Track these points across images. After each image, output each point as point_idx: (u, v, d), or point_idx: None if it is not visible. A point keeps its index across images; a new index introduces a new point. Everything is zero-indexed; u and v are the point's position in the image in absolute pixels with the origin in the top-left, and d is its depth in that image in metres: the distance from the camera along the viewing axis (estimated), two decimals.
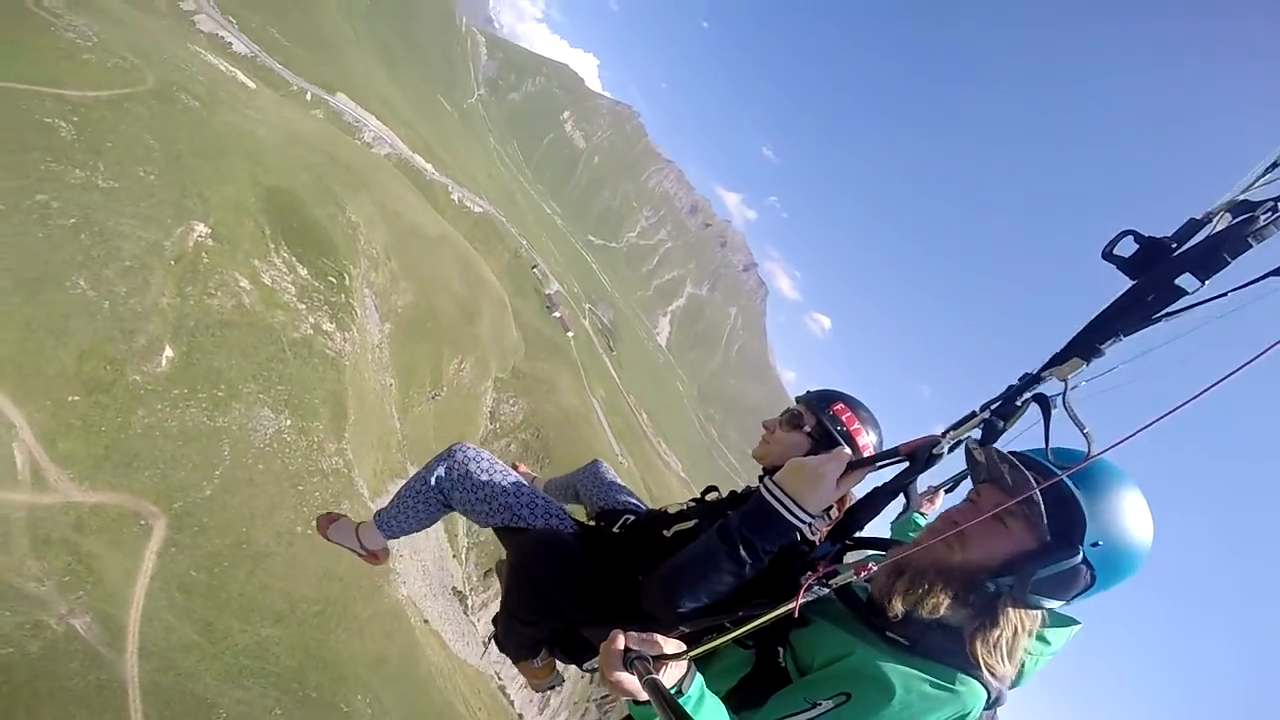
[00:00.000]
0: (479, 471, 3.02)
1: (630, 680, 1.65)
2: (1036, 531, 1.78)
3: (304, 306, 36.07)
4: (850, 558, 2.15)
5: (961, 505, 2.04)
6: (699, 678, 1.77)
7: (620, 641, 1.70)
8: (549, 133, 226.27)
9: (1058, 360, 1.82)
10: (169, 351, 28.45)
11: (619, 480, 3.62)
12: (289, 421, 31.52)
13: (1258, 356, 1.30)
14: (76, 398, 25.22)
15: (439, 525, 42.27)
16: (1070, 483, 1.74)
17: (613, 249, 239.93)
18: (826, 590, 1.91)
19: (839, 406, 2.66)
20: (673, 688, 1.67)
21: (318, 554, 29.16)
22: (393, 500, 3.29)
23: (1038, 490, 1.72)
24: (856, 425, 2.61)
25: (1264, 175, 1.64)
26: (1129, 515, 1.76)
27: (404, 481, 3.28)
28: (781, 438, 2.76)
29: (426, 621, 37.94)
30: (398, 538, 3.41)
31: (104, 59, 37.40)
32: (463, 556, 46.19)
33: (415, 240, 53.01)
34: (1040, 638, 1.97)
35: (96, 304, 26.84)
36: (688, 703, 1.71)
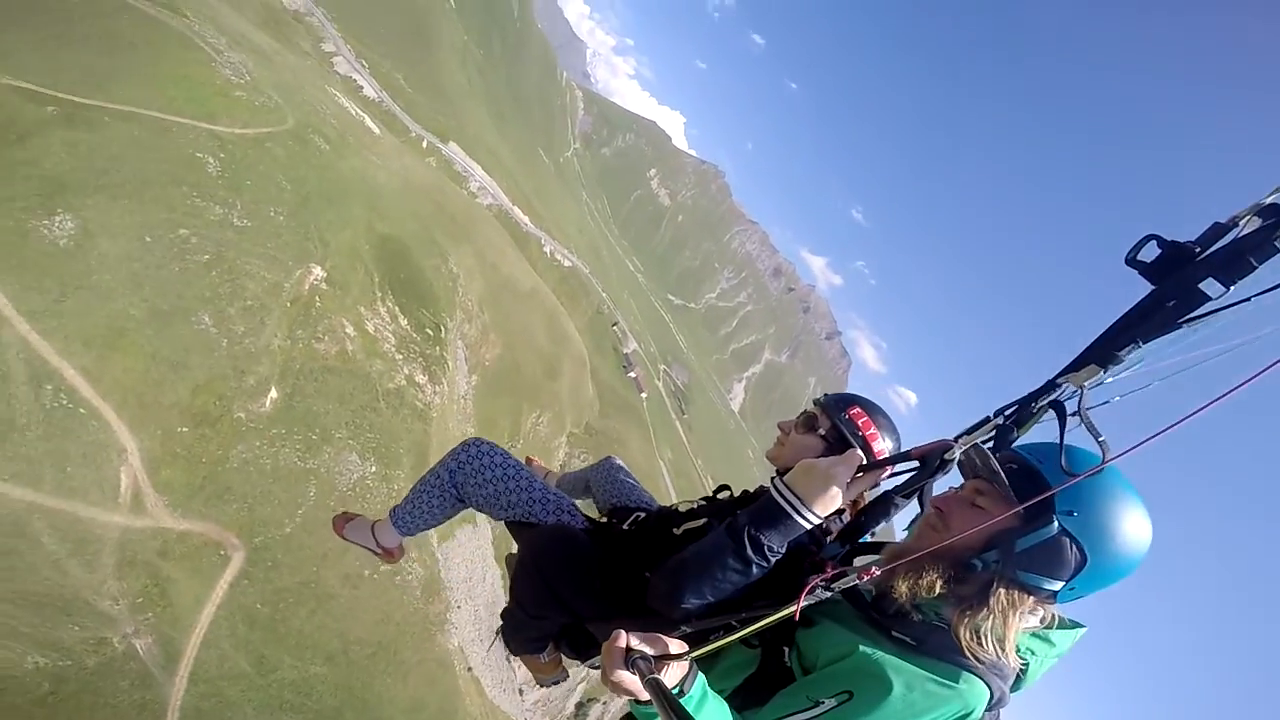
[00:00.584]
0: (493, 466, 3.10)
1: (632, 680, 1.70)
2: (1010, 505, 1.83)
3: (400, 357, 37.01)
4: (859, 561, 2.20)
5: (947, 492, 2.11)
6: (701, 678, 1.83)
7: (622, 641, 1.75)
8: (636, 189, 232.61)
9: (1074, 366, 1.89)
10: (274, 393, 29.62)
11: (633, 478, 3.66)
12: (374, 468, 32.17)
13: (1268, 368, 1.34)
14: (185, 429, 26.32)
15: (494, 568, 41.25)
16: (1031, 459, 1.86)
17: (691, 309, 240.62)
18: (830, 593, 1.94)
19: (855, 410, 2.67)
20: (674, 688, 1.73)
21: (379, 599, 30.09)
22: (408, 496, 3.36)
23: (994, 460, 1.89)
24: (872, 430, 2.61)
25: None
26: (1107, 491, 1.80)
27: (421, 478, 3.33)
28: (796, 440, 2.79)
29: (470, 669, 37.74)
30: (413, 534, 3.48)
31: (254, 96, 40.54)
32: None
33: (508, 294, 54.60)
34: (1044, 639, 2.00)
35: (216, 341, 28.14)
36: (689, 703, 1.76)
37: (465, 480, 3.15)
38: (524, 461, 3.60)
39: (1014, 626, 1.89)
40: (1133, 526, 1.83)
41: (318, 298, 33.62)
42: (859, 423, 2.66)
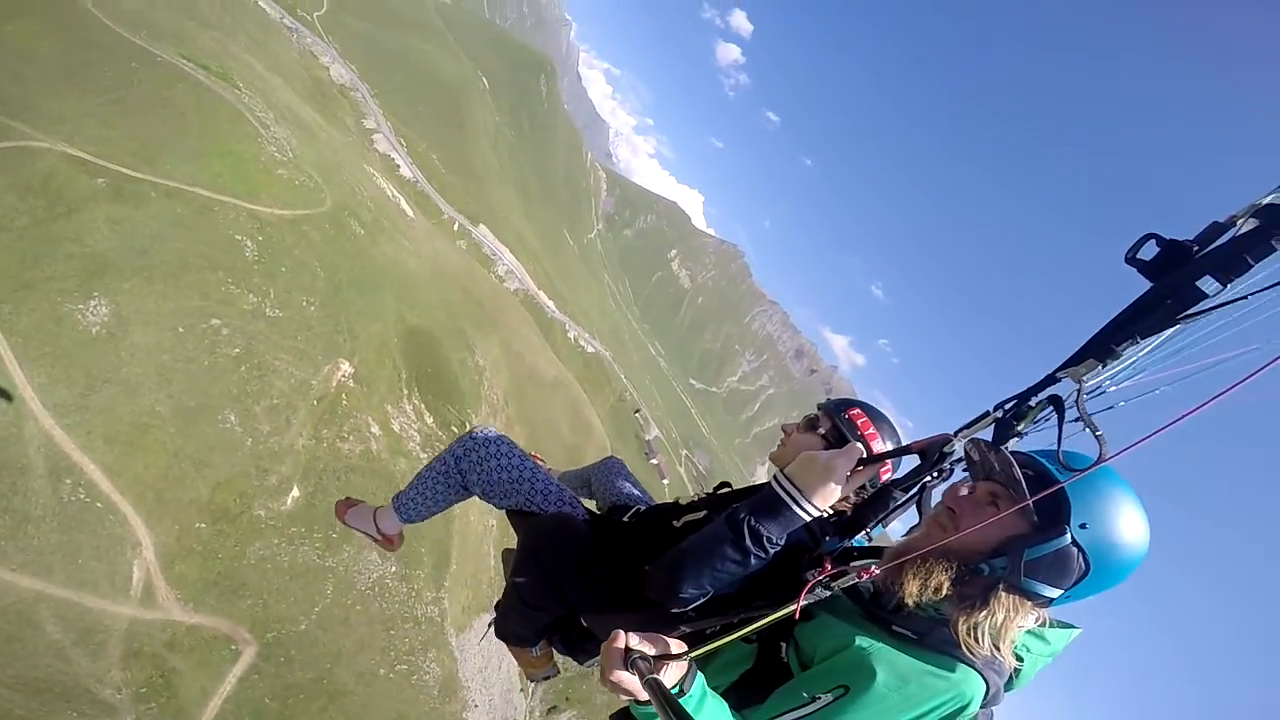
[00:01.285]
0: (498, 455, 3.18)
1: (630, 680, 1.74)
2: (1025, 513, 1.88)
3: (425, 455, 36.58)
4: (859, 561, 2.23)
5: (960, 492, 2.10)
6: (700, 677, 1.88)
7: (621, 641, 1.79)
8: (657, 271, 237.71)
9: (1073, 361, 1.94)
10: (296, 492, 29.59)
11: (633, 478, 3.75)
12: (394, 568, 32.31)
13: (1265, 367, 1.40)
14: (203, 525, 26.38)
15: (510, 660, 43.11)
16: (1053, 469, 1.88)
17: (713, 394, 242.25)
18: (830, 592, 1.98)
19: (855, 412, 2.76)
20: (673, 687, 1.77)
21: (394, 697, 29.99)
22: (412, 483, 3.43)
23: (1017, 468, 1.90)
24: (872, 430, 2.68)
25: None
26: (1117, 503, 1.86)
27: (423, 468, 3.41)
28: (798, 440, 2.87)
29: None
30: (415, 522, 3.53)
31: (295, 175, 41.36)
32: (529, 690, 45.68)
33: (533, 385, 54.92)
34: (1040, 637, 2.06)
35: (240, 440, 27.99)
36: (689, 702, 1.80)
37: (471, 468, 3.21)
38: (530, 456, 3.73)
39: (1013, 628, 1.93)
40: (1137, 539, 1.87)
41: (345, 395, 33.51)
42: (858, 423, 2.71)
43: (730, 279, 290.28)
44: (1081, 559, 1.85)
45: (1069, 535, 1.83)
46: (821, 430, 2.85)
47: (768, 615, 1.89)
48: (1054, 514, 1.84)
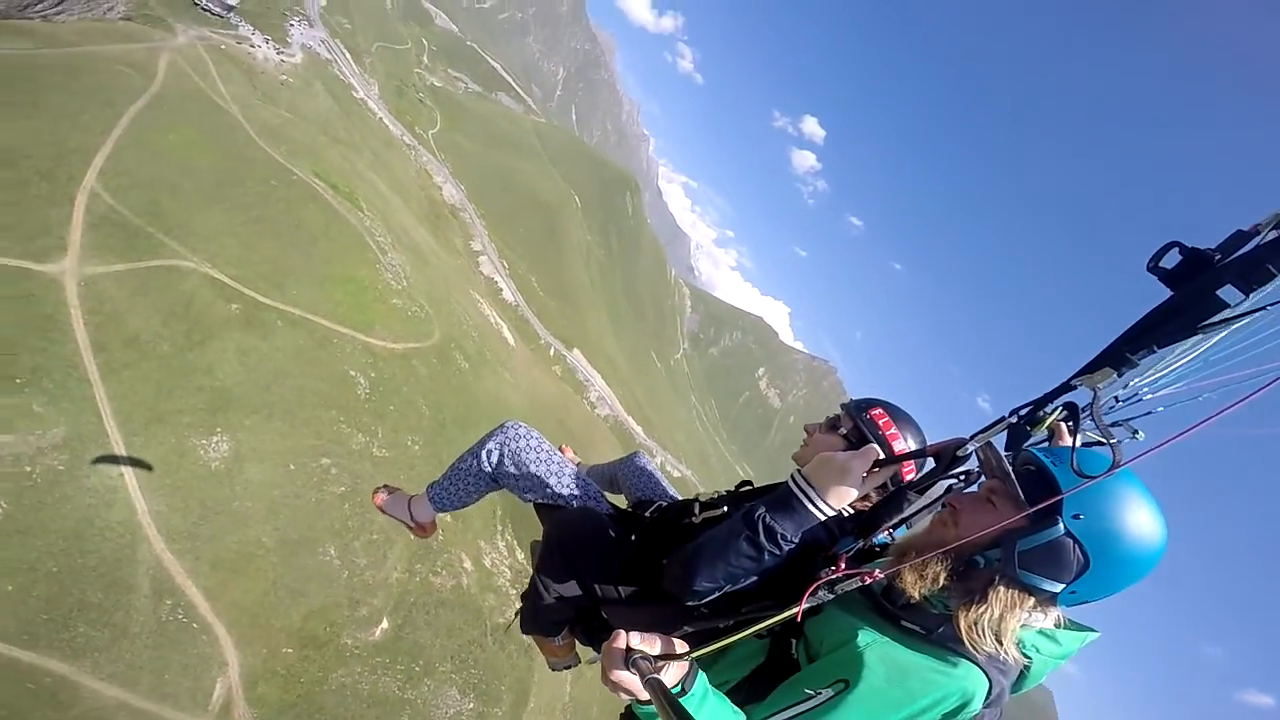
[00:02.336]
0: (527, 449, 3.43)
1: (631, 679, 1.80)
2: (1021, 506, 1.94)
3: (514, 592, 37.10)
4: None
5: (965, 493, 2.23)
6: (702, 677, 1.94)
7: (621, 641, 1.85)
8: (744, 390, 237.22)
9: (1090, 369, 2.01)
10: (385, 624, 30.61)
11: (659, 473, 4.02)
12: (471, 705, 32.45)
13: (1268, 385, 1.49)
14: (290, 650, 27.22)
15: None
16: (1048, 460, 1.97)
17: None
18: (832, 596, 2.08)
19: (877, 411, 2.88)
20: (674, 687, 1.83)
21: None
22: (445, 475, 3.73)
23: (1006, 462, 2.00)
24: (893, 430, 2.79)
25: None
26: (1117, 496, 1.89)
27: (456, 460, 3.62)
28: (819, 439, 3.05)
29: None
30: (446, 511, 3.84)
31: (407, 305, 43.16)
32: None
33: None
34: (1051, 638, 2.10)
35: (337, 573, 29.28)
36: (690, 702, 1.85)
37: (500, 461, 3.44)
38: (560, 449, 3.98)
39: (1011, 623, 1.99)
40: (1142, 533, 1.89)
41: (441, 530, 33.68)
42: (879, 422, 2.82)
43: (823, 396, 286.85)
44: (1078, 550, 1.90)
45: (1061, 526, 1.89)
46: (843, 430, 2.96)
47: (773, 615, 1.97)
48: (1048, 505, 1.88)
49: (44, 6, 75.57)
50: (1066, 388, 2.05)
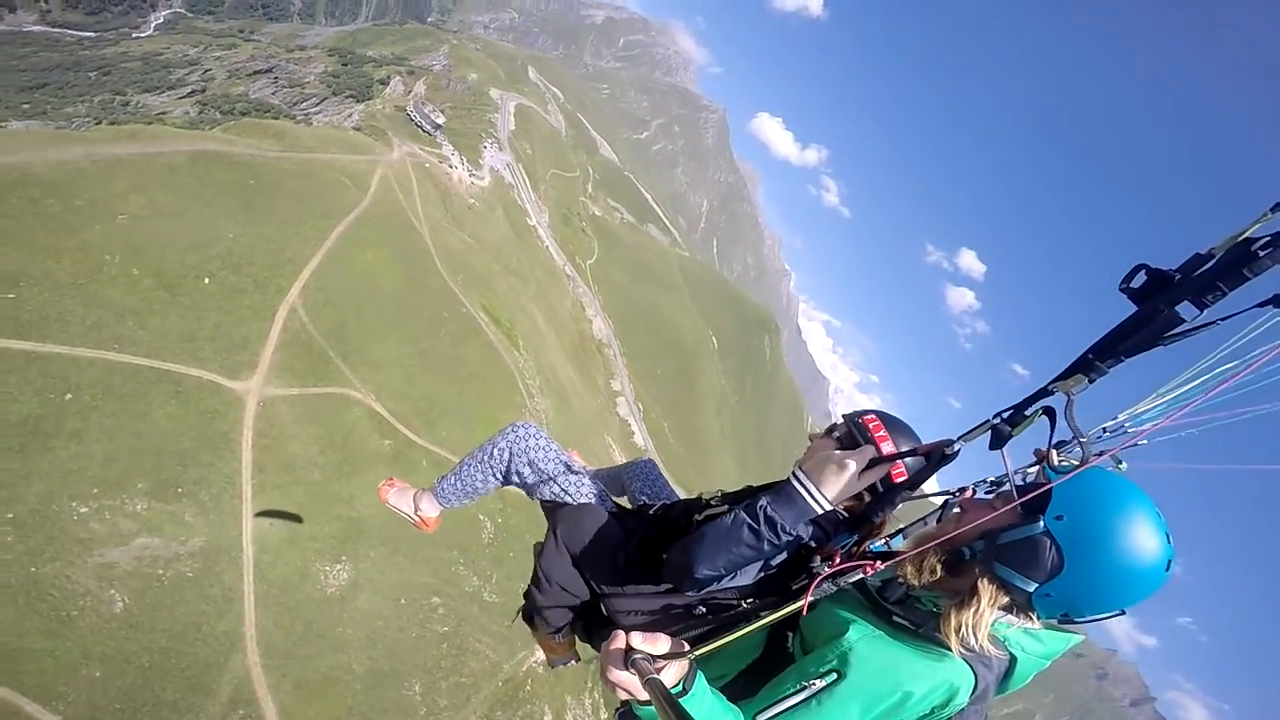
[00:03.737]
0: (536, 448, 3.64)
1: (630, 679, 1.89)
2: (1014, 505, 2.14)
3: None
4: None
5: (976, 498, 2.45)
6: (701, 676, 2.03)
7: (621, 641, 1.94)
8: None
9: (1064, 376, 2.21)
10: None
11: (665, 477, 4.34)
12: None
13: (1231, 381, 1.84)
14: None
15: None
16: (1047, 470, 2.18)
17: None
18: (835, 588, 2.22)
19: (869, 417, 2.88)
20: (674, 687, 1.91)
21: None
22: (454, 470, 3.94)
23: (1006, 461, 2.19)
24: (882, 433, 2.78)
25: (1269, 213, 1.90)
26: (1107, 504, 2.05)
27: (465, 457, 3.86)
28: (818, 444, 2.98)
29: None
30: (451, 507, 4.10)
31: None
32: None
33: None
34: (1035, 636, 2.22)
35: (415, 708, 29.28)
36: (690, 702, 1.93)
37: (511, 458, 3.64)
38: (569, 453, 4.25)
39: (986, 617, 2.13)
40: (1124, 545, 2.00)
41: (530, 681, 33.78)
42: (869, 426, 2.82)
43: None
44: (1054, 550, 2.04)
45: (1041, 524, 2.05)
46: (837, 434, 2.93)
47: (776, 611, 2.14)
48: (1035, 507, 2.08)
49: (308, 105, 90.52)
50: (1045, 393, 2.21)
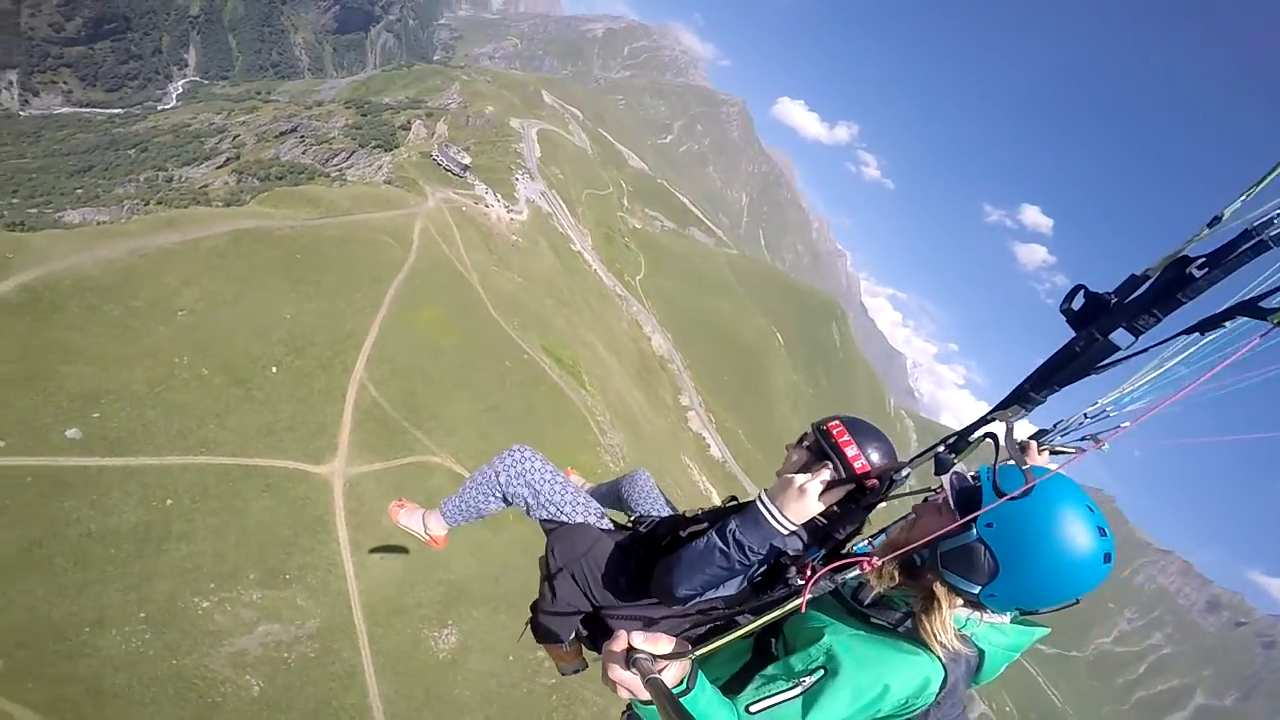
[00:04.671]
0: (533, 471, 3.91)
1: (632, 679, 1.94)
2: (953, 514, 2.33)
3: None
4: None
5: (928, 502, 2.67)
6: (701, 676, 2.10)
7: (623, 641, 1.99)
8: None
9: (1003, 405, 2.47)
10: None
11: (659, 489, 4.57)
12: None
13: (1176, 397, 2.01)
14: None
15: None
16: (985, 476, 2.31)
17: (1073, 658, 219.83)
18: (833, 584, 2.40)
19: (833, 424, 3.12)
20: (675, 686, 1.97)
21: None
22: (456, 493, 4.23)
23: (947, 478, 2.42)
24: (846, 438, 3.01)
25: (1205, 229, 2.00)
26: (1038, 512, 2.19)
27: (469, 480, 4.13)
28: (789, 454, 3.39)
29: None
30: (457, 525, 4.42)
31: None
32: None
33: None
34: (1000, 630, 2.44)
35: None
36: (691, 701, 2.01)
37: (509, 481, 3.89)
38: (565, 471, 4.64)
39: (948, 617, 2.35)
40: (1051, 548, 2.18)
41: None
42: (833, 433, 3.04)
43: None
44: (988, 556, 2.22)
45: (974, 532, 2.24)
46: (806, 444, 3.27)
47: (776, 610, 2.26)
48: (972, 513, 2.24)
49: (339, 160, 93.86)
50: (985, 421, 2.48)
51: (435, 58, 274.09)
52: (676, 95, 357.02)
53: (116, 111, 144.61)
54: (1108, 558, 2.21)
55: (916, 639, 2.35)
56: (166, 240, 38.42)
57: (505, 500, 4.00)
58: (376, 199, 61.39)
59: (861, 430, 3.12)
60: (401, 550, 30.29)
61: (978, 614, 2.40)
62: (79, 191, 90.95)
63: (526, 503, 3.93)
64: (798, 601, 2.25)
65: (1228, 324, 2.03)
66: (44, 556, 24.18)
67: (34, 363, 28.75)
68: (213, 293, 36.21)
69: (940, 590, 2.36)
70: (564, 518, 3.88)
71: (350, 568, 29.84)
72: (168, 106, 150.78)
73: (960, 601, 2.36)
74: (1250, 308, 1.97)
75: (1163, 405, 2.15)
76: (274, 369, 34.06)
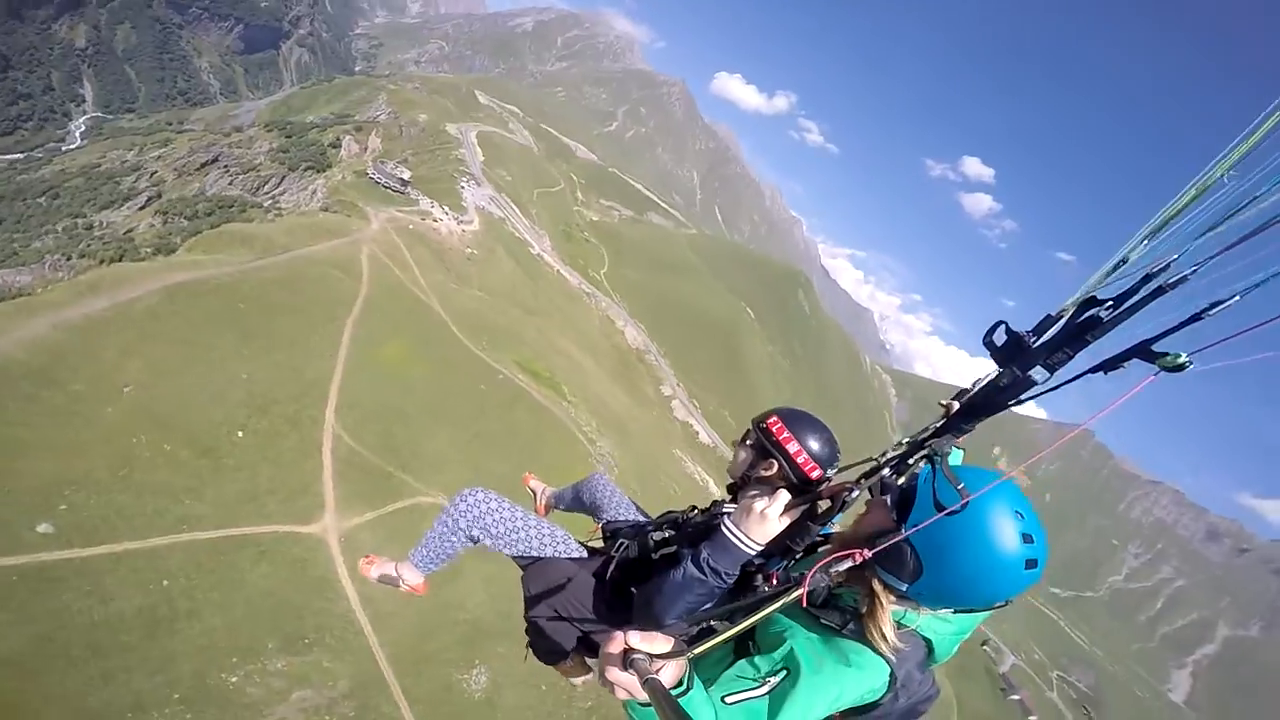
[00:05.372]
0: (488, 513, 3.94)
1: (629, 680, 1.93)
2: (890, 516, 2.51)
3: None
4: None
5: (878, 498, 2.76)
6: (697, 677, 2.14)
7: (619, 642, 1.99)
8: None
9: (937, 435, 2.75)
10: None
11: (617, 491, 4.57)
12: None
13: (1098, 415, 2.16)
14: None
15: None
16: (923, 485, 2.44)
17: (1088, 599, 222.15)
18: (828, 579, 2.51)
19: (772, 420, 3.43)
20: (673, 687, 1.99)
21: None
22: (420, 544, 4.21)
23: (885, 486, 2.66)
24: (786, 435, 3.34)
25: (1111, 269, 2.21)
26: (964, 517, 2.28)
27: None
28: (736, 453, 3.64)
29: None
30: (432, 571, 4.35)
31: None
32: None
33: None
34: (943, 619, 2.58)
35: None
36: (688, 702, 2.04)
37: (469, 526, 3.91)
38: (524, 478, 5.50)
39: (888, 614, 2.49)
40: (975, 551, 2.31)
41: None
42: (774, 429, 3.37)
43: (1085, 467, 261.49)
44: (913, 556, 2.37)
45: (901, 532, 2.37)
46: (749, 442, 3.52)
47: (768, 608, 2.34)
48: (903, 515, 2.42)
49: (269, 187, 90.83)
50: (920, 447, 2.73)
51: (357, 69, 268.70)
52: (616, 82, 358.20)
53: (16, 156, 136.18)
54: (1032, 564, 2.30)
55: (862, 640, 2.48)
56: (93, 307, 36.76)
57: (472, 540, 4.06)
58: (315, 229, 59.47)
59: (799, 423, 3.39)
60: (410, 606, 30.28)
61: (915, 610, 2.54)
62: None
63: (491, 543, 4.00)
64: (796, 594, 2.40)
65: (1125, 365, 2.18)
66: (59, 650, 24.13)
67: None
68: (156, 361, 34.85)
69: (877, 587, 2.50)
70: (533, 553, 3.97)
71: (366, 623, 29.82)
72: (72, 146, 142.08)
73: (893, 598, 2.50)
74: (1144, 351, 2.11)
75: (1060, 444, 2.73)
76: (239, 433, 33.04)
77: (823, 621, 2.57)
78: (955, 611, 2.57)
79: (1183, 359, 2.05)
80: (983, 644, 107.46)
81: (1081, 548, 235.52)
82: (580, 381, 58.35)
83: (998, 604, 2.44)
